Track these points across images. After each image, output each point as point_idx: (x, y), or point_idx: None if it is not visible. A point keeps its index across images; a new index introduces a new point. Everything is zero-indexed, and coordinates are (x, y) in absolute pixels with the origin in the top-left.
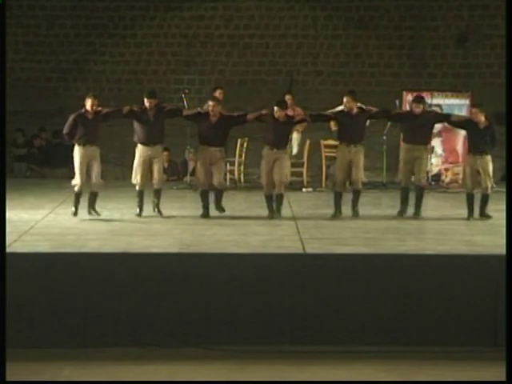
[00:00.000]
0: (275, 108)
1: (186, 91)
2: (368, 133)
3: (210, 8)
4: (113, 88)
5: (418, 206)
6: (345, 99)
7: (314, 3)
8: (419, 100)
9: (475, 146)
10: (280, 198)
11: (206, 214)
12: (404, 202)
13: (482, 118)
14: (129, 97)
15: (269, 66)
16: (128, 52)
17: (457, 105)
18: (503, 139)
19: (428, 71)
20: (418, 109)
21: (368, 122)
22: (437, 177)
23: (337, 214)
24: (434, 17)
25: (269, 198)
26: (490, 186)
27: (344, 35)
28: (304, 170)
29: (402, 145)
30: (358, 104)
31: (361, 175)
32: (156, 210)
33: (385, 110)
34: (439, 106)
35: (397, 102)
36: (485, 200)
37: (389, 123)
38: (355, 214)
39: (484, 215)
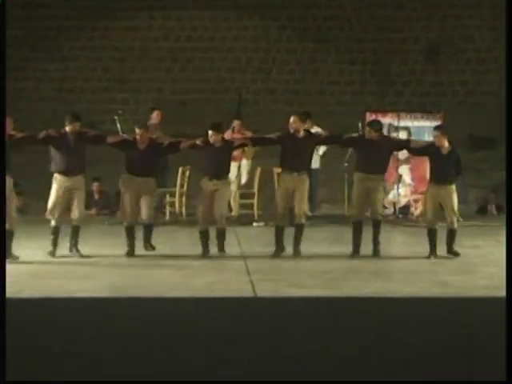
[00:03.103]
0: (210, 132)
1: (120, 112)
2: (327, 158)
3: (146, 17)
4: (35, 108)
5: (376, 243)
6: (291, 119)
7: (265, 12)
8: (372, 124)
9: (437, 175)
10: (222, 233)
11: (131, 253)
12: (356, 238)
13: (445, 143)
14: (53, 118)
15: (214, 83)
16: (52, 67)
17: (427, 127)
18: (476, 166)
19: (394, 89)
20: (370, 134)
21: (323, 149)
22: (405, 209)
23: (278, 253)
24: (401, 28)
25: (204, 234)
26: (455, 219)
27: (299, 48)
28: (255, 201)
29: (355, 174)
30: (306, 126)
31: (304, 208)
32: (74, 249)
33: (335, 134)
34: (407, 128)
35: (359, 124)
36: (451, 235)
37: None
38: (297, 253)
39: (452, 252)
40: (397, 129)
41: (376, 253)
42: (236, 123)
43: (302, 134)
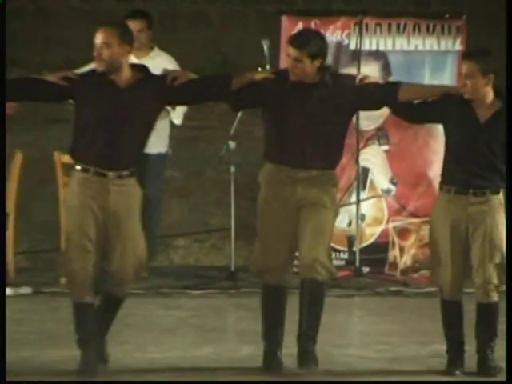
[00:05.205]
0: None
1: None
2: (186, 133)
3: None
4: None
5: (309, 334)
6: (97, 39)
7: None
8: (302, 41)
9: (462, 170)
10: None
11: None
12: (272, 331)
13: (489, 94)
14: None
15: None
16: None
17: (430, 53)
18: None
19: None
20: (301, 66)
21: (181, 112)
22: (376, 253)
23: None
24: None
25: None
26: (498, 280)
27: None
28: (9, 234)
29: (265, 167)
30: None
31: (138, 258)
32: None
33: (220, 76)
34: (382, 55)
35: (264, 44)
36: (488, 320)
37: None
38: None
39: (488, 368)
40: (356, 55)
41: (308, 358)
42: None
43: (127, 76)
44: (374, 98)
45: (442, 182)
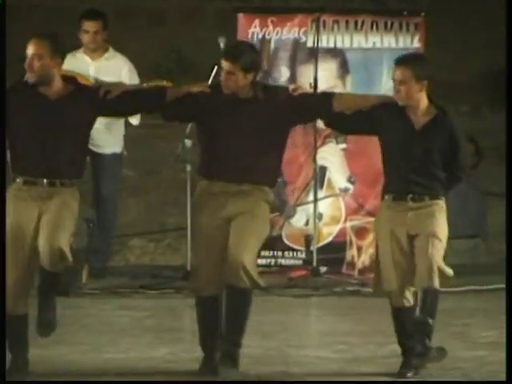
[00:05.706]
0: None
1: None
2: (142, 131)
3: None
4: None
5: (231, 338)
6: (29, 50)
7: None
8: (233, 54)
9: (400, 178)
10: None
11: None
12: (204, 335)
13: (422, 100)
14: None
15: None
16: None
17: (388, 50)
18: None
19: None
20: (232, 76)
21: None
22: (336, 252)
23: None
24: None
25: None
26: (435, 275)
27: None
28: None
29: (200, 184)
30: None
31: (62, 239)
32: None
33: (154, 88)
34: (339, 53)
35: (221, 42)
36: (427, 304)
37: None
38: None
39: (423, 350)
40: (313, 53)
41: (227, 362)
42: None
43: (57, 88)
44: (308, 110)
45: (382, 192)
